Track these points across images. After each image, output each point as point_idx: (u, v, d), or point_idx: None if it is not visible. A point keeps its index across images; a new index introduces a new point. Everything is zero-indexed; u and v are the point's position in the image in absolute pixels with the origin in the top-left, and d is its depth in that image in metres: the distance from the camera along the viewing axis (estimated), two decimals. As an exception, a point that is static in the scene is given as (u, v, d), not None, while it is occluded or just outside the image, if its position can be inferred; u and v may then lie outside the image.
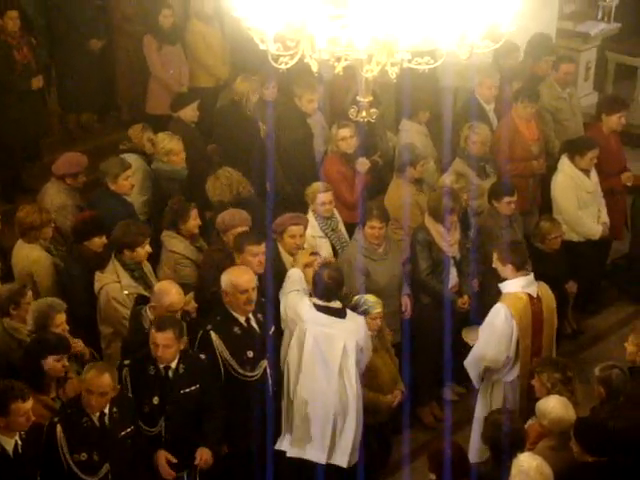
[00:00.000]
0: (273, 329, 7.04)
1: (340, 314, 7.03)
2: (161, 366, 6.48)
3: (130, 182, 8.29)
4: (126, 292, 7.28)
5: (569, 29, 12.04)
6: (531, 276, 7.24)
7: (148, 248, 7.45)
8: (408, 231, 8.27)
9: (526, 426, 6.32)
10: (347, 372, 6.93)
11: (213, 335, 6.79)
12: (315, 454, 7.05)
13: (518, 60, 10.18)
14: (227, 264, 7.31)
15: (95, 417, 6.09)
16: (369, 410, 7.19)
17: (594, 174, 9.22)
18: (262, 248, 7.28)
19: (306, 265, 7.45)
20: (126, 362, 6.55)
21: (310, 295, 7.12)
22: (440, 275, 8.02)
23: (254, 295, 6.84)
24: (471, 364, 7.30)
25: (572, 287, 8.87)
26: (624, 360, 6.78)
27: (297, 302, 7.11)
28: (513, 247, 7.33)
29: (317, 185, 8.29)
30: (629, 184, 9.57)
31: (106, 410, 6.12)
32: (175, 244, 7.83)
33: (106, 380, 6.02)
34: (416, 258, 8.02)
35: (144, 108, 10.73)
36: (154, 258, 7.75)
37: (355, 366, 6.95)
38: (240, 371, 6.83)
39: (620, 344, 6.85)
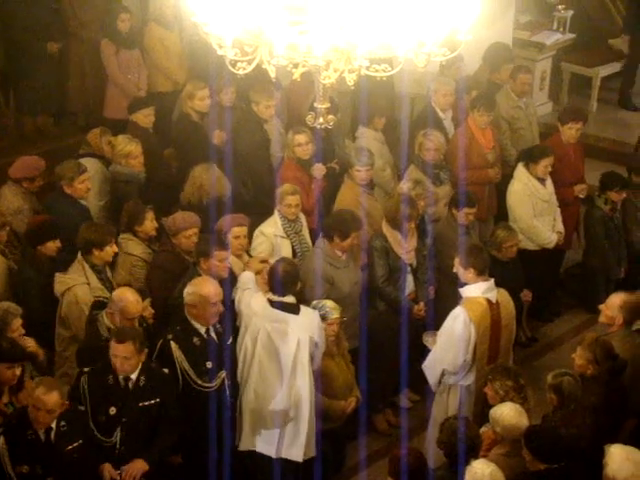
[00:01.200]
0: (231, 340, 7.03)
1: (294, 309, 7.09)
2: (120, 377, 6.39)
3: (86, 185, 8.24)
4: (97, 295, 7.25)
5: (525, 39, 12.15)
6: (491, 282, 7.28)
7: (115, 247, 7.46)
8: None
9: (480, 432, 6.35)
10: (301, 366, 6.98)
11: (173, 345, 6.76)
12: (266, 448, 7.11)
13: (461, 70, 10.20)
14: (175, 267, 7.30)
15: (41, 431, 6.00)
16: (324, 416, 7.20)
17: (550, 183, 9.30)
18: (229, 253, 7.33)
19: (256, 272, 7.48)
20: (85, 370, 6.47)
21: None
22: (397, 282, 8.05)
23: (222, 306, 6.84)
24: (429, 367, 7.35)
25: (527, 295, 8.94)
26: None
27: (252, 297, 7.17)
28: (475, 252, 7.36)
29: (287, 187, 8.30)
30: (581, 196, 9.66)
31: (53, 425, 6.03)
32: (132, 246, 7.82)
33: (54, 398, 5.93)
34: (373, 265, 8.04)
35: (101, 112, 10.66)
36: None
37: (309, 361, 7.00)
38: (198, 382, 6.80)
39: (573, 352, 6.90)
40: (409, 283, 8.10)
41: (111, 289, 7.29)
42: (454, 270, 7.38)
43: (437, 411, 7.40)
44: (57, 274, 7.37)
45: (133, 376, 6.40)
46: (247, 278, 7.37)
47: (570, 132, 9.58)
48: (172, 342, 6.76)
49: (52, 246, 7.55)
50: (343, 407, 7.37)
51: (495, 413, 6.28)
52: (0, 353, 6.26)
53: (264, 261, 7.68)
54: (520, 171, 9.25)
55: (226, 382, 6.93)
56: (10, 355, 6.29)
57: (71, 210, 8.15)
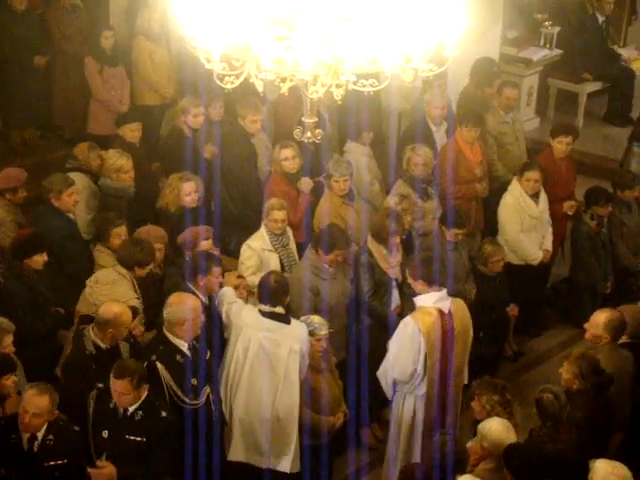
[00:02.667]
0: (209, 355, 6.98)
1: (285, 320, 7.12)
2: (120, 409, 6.34)
3: (74, 198, 8.23)
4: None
5: (512, 55, 12.21)
6: (443, 292, 7.28)
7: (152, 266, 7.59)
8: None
9: (467, 447, 6.35)
10: (291, 376, 7.00)
11: (159, 365, 6.70)
12: (257, 459, 7.12)
13: (445, 86, 10.20)
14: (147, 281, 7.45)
15: (25, 438, 5.96)
16: (311, 431, 7.20)
17: (543, 200, 9.31)
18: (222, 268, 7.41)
19: (234, 288, 7.52)
20: (100, 385, 6.43)
21: None
22: (383, 297, 8.06)
23: (196, 323, 6.78)
24: (381, 376, 7.39)
25: (513, 310, 8.96)
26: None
27: (242, 308, 7.22)
28: (423, 263, 7.36)
29: (273, 201, 8.32)
30: (570, 213, 9.69)
31: (39, 434, 5.99)
32: (103, 258, 7.85)
33: (44, 402, 5.91)
34: (359, 280, 8.05)
35: (85, 128, 10.65)
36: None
37: (298, 371, 7.02)
38: (186, 400, 6.73)
39: (560, 367, 6.90)
40: (395, 298, 8.11)
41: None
42: (407, 281, 7.44)
43: (392, 418, 7.48)
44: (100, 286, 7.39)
45: (131, 408, 6.33)
46: (230, 292, 7.42)
47: (560, 146, 9.62)
48: (157, 362, 6.70)
49: (39, 259, 7.53)
50: (332, 422, 7.37)
51: (483, 428, 6.28)
52: None
53: (240, 277, 7.74)
54: (514, 185, 9.28)
55: (211, 397, 6.89)
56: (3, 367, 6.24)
57: (58, 223, 8.14)
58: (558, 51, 12.63)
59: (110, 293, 7.32)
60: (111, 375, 6.30)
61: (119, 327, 6.78)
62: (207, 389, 6.85)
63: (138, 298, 7.49)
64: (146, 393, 6.36)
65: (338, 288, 7.88)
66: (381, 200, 9.29)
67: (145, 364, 6.66)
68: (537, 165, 9.27)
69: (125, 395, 6.26)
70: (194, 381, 6.76)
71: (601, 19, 12.98)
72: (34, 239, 7.62)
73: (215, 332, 7.11)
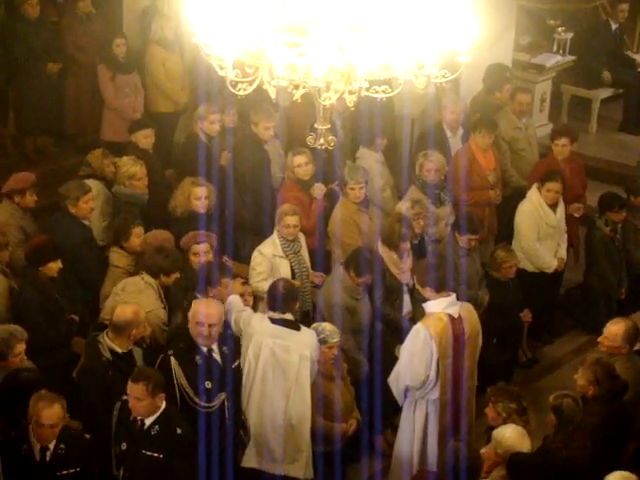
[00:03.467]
0: (237, 363, 7.01)
1: (295, 326, 7.14)
2: (138, 418, 6.31)
3: (90, 205, 8.26)
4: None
5: (525, 61, 12.19)
6: (453, 297, 7.28)
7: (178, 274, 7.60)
8: (344, 248, 8.35)
9: (481, 452, 6.34)
10: (302, 382, 7.01)
11: (173, 361, 6.74)
12: (271, 465, 7.11)
13: (457, 93, 10.19)
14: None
15: (37, 448, 5.95)
16: (324, 438, 7.20)
17: (561, 210, 9.29)
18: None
19: (240, 294, 7.54)
20: (118, 404, 6.43)
21: None
22: (394, 302, 8.06)
23: (211, 331, 6.76)
24: (393, 382, 7.37)
25: (527, 316, 8.94)
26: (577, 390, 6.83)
27: (252, 316, 7.23)
28: (431, 269, 7.37)
29: (286, 207, 8.33)
30: (577, 215, 9.66)
31: (51, 445, 5.98)
32: (118, 259, 7.93)
33: (56, 412, 5.90)
34: (370, 286, 8.05)
35: (98, 135, 10.69)
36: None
37: (309, 377, 7.04)
38: (196, 400, 6.76)
39: (574, 373, 6.88)
40: (406, 303, 8.11)
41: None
42: (416, 288, 7.45)
43: (404, 425, 7.45)
44: (126, 294, 7.42)
45: (147, 421, 6.27)
46: (237, 300, 7.44)
47: (557, 148, 9.64)
48: (172, 358, 6.75)
49: (54, 267, 7.55)
50: (344, 429, 7.36)
51: (498, 434, 6.27)
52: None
53: (245, 283, 7.76)
54: (533, 192, 9.25)
55: (226, 404, 6.89)
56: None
57: (75, 230, 8.16)
58: (571, 57, 12.61)
59: (136, 302, 7.29)
60: (129, 381, 6.29)
61: (139, 325, 6.84)
62: (222, 395, 6.84)
63: (164, 308, 7.50)
64: (164, 406, 6.32)
65: (367, 308, 7.89)
66: (392, 206, 9.28)
67: (161, 357, 6.69)
68: (559, 176, 9.21)
69: (140, 401, 6.21)
70: (208, 384, 6.76)
71: (614, 26, 12.96)
72: (49, 246, 7.64)
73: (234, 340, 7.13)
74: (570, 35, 12.56)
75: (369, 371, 7.80)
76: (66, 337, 7.62)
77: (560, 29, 12.46)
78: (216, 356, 6.87)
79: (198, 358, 6.79)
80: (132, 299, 7.33)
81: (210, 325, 6.74)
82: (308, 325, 7.40)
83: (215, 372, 6.80)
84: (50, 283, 7.57)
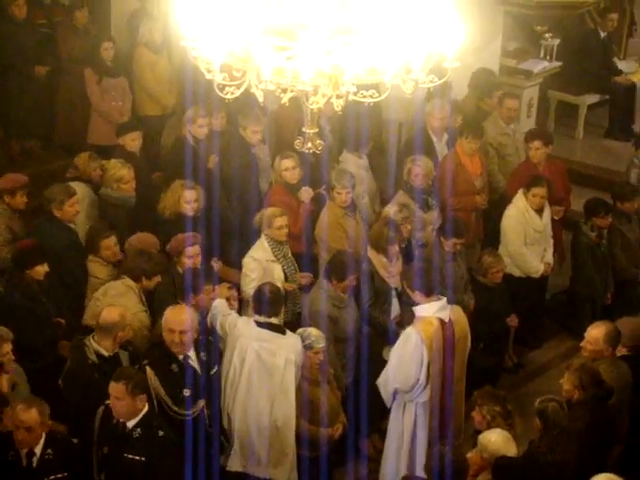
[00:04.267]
0: (216, 369, 6.99)
1: (280, 330, 7.17)
2: (120, 421, 6.28)
3: (75, 209, 8.25)
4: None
5: (512, 66, 12.23)
6: (443, 301, 7.30)
7: (159, 278, 7.61)
8: (331, 252, 8.36)
9: (467, 457, 6.35)
10: (287, 386, 7.03)
11: (148, 370, 6.70)
12: (256, 469, 7.12)
13: (444, 99, 10.19)
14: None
15: (23, 453, 5.94)
16: (310, 443, 7.20)
17: (547, 214, 9.31)
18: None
19: (225, 299, 7.56)
20: (100, 409, 6.39)
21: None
22: (383, 306, 8.07)
23: (182, 338, 6.72)
24: (382, 384, 7.39)
25: (513, 320, 8.96)
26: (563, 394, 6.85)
27: (237, 320, 7.25)
28: (420, 273, 7.39)
29: (274, 210, 8.33)
30: (556, 217, 9.68)
31: (37, 450, 5.96)
32: (97, 269, 7.90)
33: (32, 415, 5.87)
34: (358, 289, 8.06)
35: (85, 138, 10.67)
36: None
37: (293, 381, 7.05)
38: (175, 409, 6.72)
39: (560, 378, 6.91)
40: (395, 307, 8.12)
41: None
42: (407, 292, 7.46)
43: (393, 427, 7.46)
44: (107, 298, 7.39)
45: (129, 424, 6.25)
46: (223, 305, 7.44)
47: (530, 152, 9.68)
48: (148, 367, 6.71)
49: (40, 270, 7.53)
50: (330, 434, 7.37)
51: (484, 439, 6.28)
52: None
53: (230, 288, 7.75)
54: (519, 197, 9.27)
55: (205, 411, 6.86)
56: None
57: (60, 233, 8.13)
58: (558, 63, 12.65)
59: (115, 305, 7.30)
60: (111, 381, 6.27)
61: (125, 328, 6.84)
62: (201, 402, 6.82)
63: (145, 311, 7.49)
64: (146, 410, 6.29)
65: (353, 315, 7.89)
66: (370, 214, 9.30)
67: (137, 367, 6.67)
68: (544, 181, 9.24)
69: (119, 400, 6.18)
70: (186, 392, 6.73)
71: (603, 34, 13.00)
72: (36, 249, 7.63)
73: (216, 346, 7.12)
74: (557, 41, 12.60)
75: (355, 374, 7.80)
76: (52, 340, 7.59)
77: (547, 35, 12.50)
78: (193, 363, 6.83)
79: (174, 366, 6.76)
80: (114, 302, 7.32)
81: (181, 332, 6.70)
82: (300, 326, 7.44)
83: (193, 380, 6.75)
84: (36, 286, 7.55)
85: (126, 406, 6.21)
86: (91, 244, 8.02)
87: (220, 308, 7.39)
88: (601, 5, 13.20)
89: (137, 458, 6.22)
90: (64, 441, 6.15)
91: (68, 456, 6.10)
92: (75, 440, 6.28)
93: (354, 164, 9.52)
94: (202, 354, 6.87)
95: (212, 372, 6.97)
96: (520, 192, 9.29)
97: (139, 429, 6.23)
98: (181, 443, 6.57)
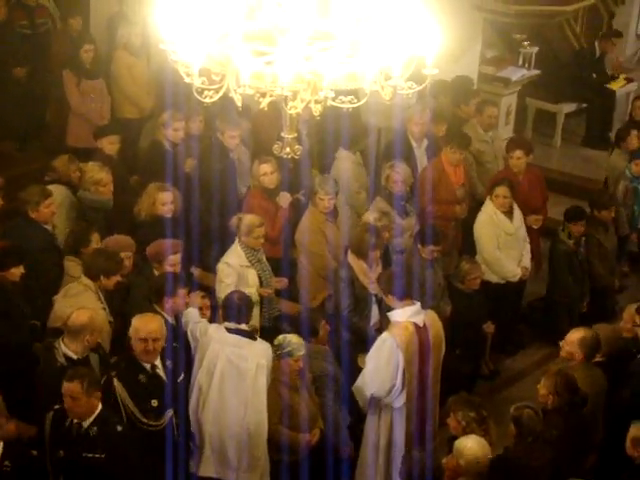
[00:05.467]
0: (182, 377, 6.93)
1: (251, 336, 7.21)
2: (74, 421, 6.23)
3: (51, 210, 8.22)
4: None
5: (491, 74, 12.28)
6: (417, 306, 7.32)
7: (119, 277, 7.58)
8: (311, 257, 8.39)
9: (443, 461, 6.36)
10: (259, 391, 7.03)
11: (116, 382, 6.61)
12: (228, 473, 7.11)
13: (424, 105, 10.21)
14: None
15: None
16: (288, 448, 7.19)
17: (518, 217, 9.34)
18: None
19: (199, 308, 7.57)
20: (49, 414, 6.35)
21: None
22: (362, 312, 8.08)
23: (155, 346, 6.67)
24: (358, 390, 7.39)
25: (490, 327, 8.98)
26: (538, 401, 6.86)
27: (209, 326, 7.27)
28: (392, 277, 7.41)
29: (254, 219, 8.30)
30: (535, 226, 9.72)
31: None
32: (73, 267, 7.85)
33: None
34: (338, 295, 8.06)
35: (64, 140, 10.63)
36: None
37: (265, 386, 7.05)
38: (144, 420, 6.65)
39: (535, 385, 6.93)
40: (374, 313, 8.13)
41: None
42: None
43: (369, 432, 7.47)
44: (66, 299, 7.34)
45: (85, 423, 6.19)
46: (195, 313, 7.46)
47: (512, 161, 9.73)
48: (115, 379, 6.62)
49: (16, 272, 7.49)
50: (307, 439, 7.36)
51: (459, 444, 6.28)
52: None
53: (204, 297, 7.74)
54: (487, 202, 9.32)
55: (174, 420, 6.79)
56: None
57: (35, 235, 8.10)
58: (536, 71, 12.72)
59: (74, 304, 7.24)
60: (64, 381, 6.20)
61: (94, 332, 6.78)
62: (170, 412, 6.74)
63: (104, 308, 7.44)
64: (100, 407, 6.24)
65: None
66: (365, 210, 9.32)
67: (104, 379, 6.58)
68: (506, 181, 9.30)
69: (76, 400, 6.13)
70: (155, 402, 6.66)
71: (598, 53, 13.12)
72: (11, 251, 7.59)
73: (181, 353, 7.05)
74: (535, 49, 12.67)
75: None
76: (27, 343, 7.55)
77: (526, 43, 12.57)
78: (160, 372, 6.76)
79: (142, 377, 6.68)
80: (71, 303, 7.29)
81: (154, 340, 6.66)
82: (277, 330, 7.45)
83: (161, 389, 6.68)
84: (12, 288, 7.51)
85: (83, 405, 6.16)
86: (80, 239, 7.96)
87: (191, 315, 7.41)
88: (579, 15, 13.31)
89: (97, 456, 6.17)
90: (23, 454, 6.07)
91: (25, 468, 6.02)
92: (35, 452, 6.20)
93: (349, 160, 9.58)
94: (168, 362, 6.79)
95: (179, 380, 6.88)
96: (488, 198, 9.32)
97: (95, 427, 6.19)
98: (143, 440, 6.50)
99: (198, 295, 7.72)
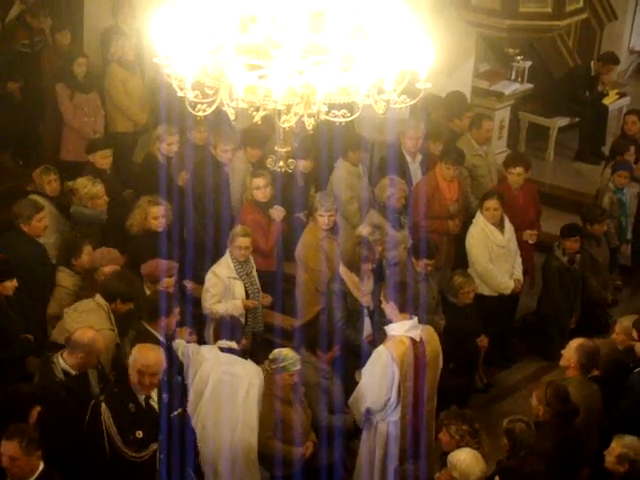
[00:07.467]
0: (179, 411, 6.64)
1: (241, 355, 7.23)
2: None
3: (44, 223, 8.24)
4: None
5: (484, 88, 12.31)
6: (415, 320, 7.33)
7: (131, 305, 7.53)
8: (310, 273, 8.38)
9: (437, 476, 6.35)
10: (251, 409, 7.04)
11: (103, 407, 6.38)
12: None
13: (417, 119, 10.24)
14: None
15: None
16: (282, 462, 7.19)
17: (509, 229, 9.35)
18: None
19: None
20: None
21: None
22: (355, 325, 8.08)
23: (152, 380, 6.40)
24: (353, 404, 7.40)
25: (483, 341, 8.98)
26: (532, 414, 6.87)
27: (201, 347, 7.32)
28: (398, 287, 7.43)
29: (239, 228, 8.35)
30: (530, 242, 9.74)
31: None
32: (64, 278, 7.88)
33: (11, 446, 5.71)
34: (331, 308, 8.06)
35: (58, 154, 10.63)
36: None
37: (256, 404, 7.05)
38: (124, 450, 6.38)
39: (529, 399, 6.94)
40: (366, 326, 8.13)
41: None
42: (382, 306, 7.47)
43: (364, 446, 7.46)
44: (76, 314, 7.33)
45: None
46: (183, 342, 7.47)
47: (511, 177, 9.73)
48: (103, 404, 6.39)
49: (9, 285, 7.48)
50: (301, 453, 7.35)
51: (453, 458, 6.29)
52: None
53: (192, 333, 7.68)
54: (477, 216, 9.34)
55: (158, 455, 6.42)
56: None
57: (28, 248, 8.11)
58: (529, 85, 12.76)
59: (83, 321, 7.22)
60: (2, 438, 5.83)
61: (91, 354, 6.72)
62: (154, 445, 6.42)
63: (113, 330, 7.41)
64: (42, 467, 5.86)
65: (339, 388, 7.70)
66: (358, 220, 9.31)
67: (93, 403, 6.41)
68: (496, 194, 9.32)
69: (15, 461, 5.77)
70: (139, 433, 6.38)
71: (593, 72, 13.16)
72: (4, 265, 7.58)
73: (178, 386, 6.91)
74: (528, 63, 12.72)
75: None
76: (21, 357, 7.53)
77: (518, 57, 12.61)
78: (154, 404, 6.49)
79: (132, 406, 6.40)
80: (80, 318, 7.28)
81: (151, 375, 6.39)
82: (259, 344, 7.54)
83: (151, 421, 6.43)
84: (5, 301, 7.49)
85: (22, 466, 5.81)
86: (72, 250, 7.98)
87: (180, 342, 7.44)
88: (572, 29, 13.36)
89: None
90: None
91: None
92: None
93: (345, 169, 9.59)
94: (164, 395, 6.52)
95: (173, 414, 6.55)
96: (479, 211, 9.35)
97: None
98: (123, 470, 6.27)
99: (184, 330, 7.63)
